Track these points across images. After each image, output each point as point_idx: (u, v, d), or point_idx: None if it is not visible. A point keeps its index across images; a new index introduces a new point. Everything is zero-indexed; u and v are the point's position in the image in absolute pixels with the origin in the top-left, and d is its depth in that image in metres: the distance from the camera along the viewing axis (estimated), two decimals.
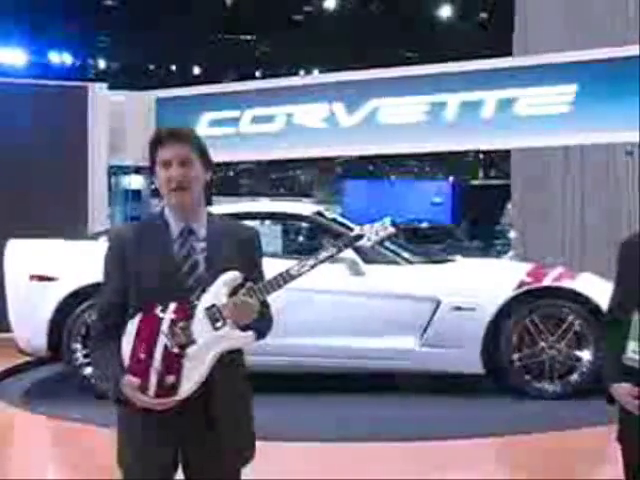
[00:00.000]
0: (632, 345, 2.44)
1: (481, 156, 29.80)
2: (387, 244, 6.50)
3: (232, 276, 2.45)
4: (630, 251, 2.58)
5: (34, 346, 6.23)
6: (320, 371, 6.14)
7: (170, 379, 2.39)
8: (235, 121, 8.96)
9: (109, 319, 2.50)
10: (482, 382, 6.07)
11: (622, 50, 7.65)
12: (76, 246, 6.41)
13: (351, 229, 5.88)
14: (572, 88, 7.70)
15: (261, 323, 2.51)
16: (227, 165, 24.47)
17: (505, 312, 5.97)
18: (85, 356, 6.03)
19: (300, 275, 2.51)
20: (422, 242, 17.57)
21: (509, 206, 14.71)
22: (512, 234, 13.69)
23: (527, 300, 6.00)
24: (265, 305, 2.53)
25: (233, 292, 2.44)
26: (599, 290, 5.75)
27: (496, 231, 20.38)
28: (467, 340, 5.96)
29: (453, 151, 12.71)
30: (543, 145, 8.67)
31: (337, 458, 4.83)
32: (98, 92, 8.96)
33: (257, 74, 23.10)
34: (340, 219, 6.87)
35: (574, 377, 5.91)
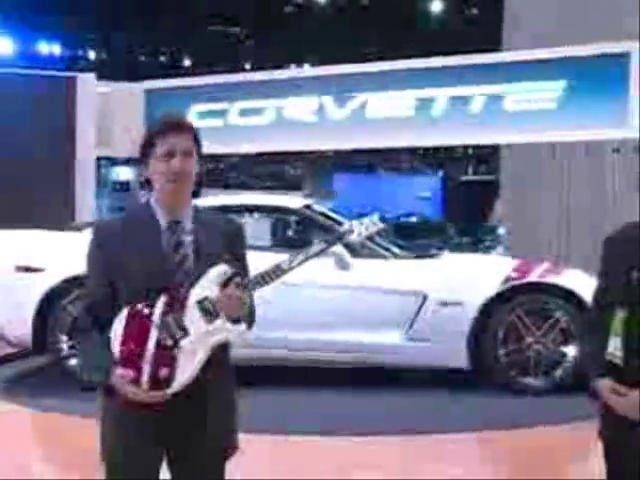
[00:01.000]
0: (614, 342, 2.45)
1: (470, 151, 29.83)
2: (374, 238, 6.50)
3: (222, 269, 2.44)
4: (613, 247, 2.58)
5: (19, 337, 6.20)
6: (305, 364, 6.14)
7: (163, 372, 2.37)
8: (224, 113, 8.94)
9: (95, 311, 2.47)
10: (467, 377, 6.08)
11: (610, 46, 7.66)
12: (62, 237, 6.38)
13: (340, 223, 5.88)
14: (560, 84, 7.72)
15: (250, 316, 2.51)
16: (216, 157, 24.39)
17: (491, 307, 5.98)
18: (70, 347, 6.01)
19: (290, 270, 2.52)
20: (410, 237, 17.58)
21: (497, 202, 14.75)
22: (500, 230, 13.74)
23: (513, 295, 6.01)
24: (252, 300, 2.53)
25: (223, 285, 2.43)
26: (585, 286, 5.75)
27: (485, 227, 20.40)
28: (453, 335, 5.97)
29: (442, 146, 12.71)
30: (531, 141, 8.68)
31: (317, 452, 4.83)
32: (86, 83, 8.91)
33: (247, 67, 23.04)
34: (329, 213, 6.86)
35: (559, 372, 5.93)
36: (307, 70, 15.56)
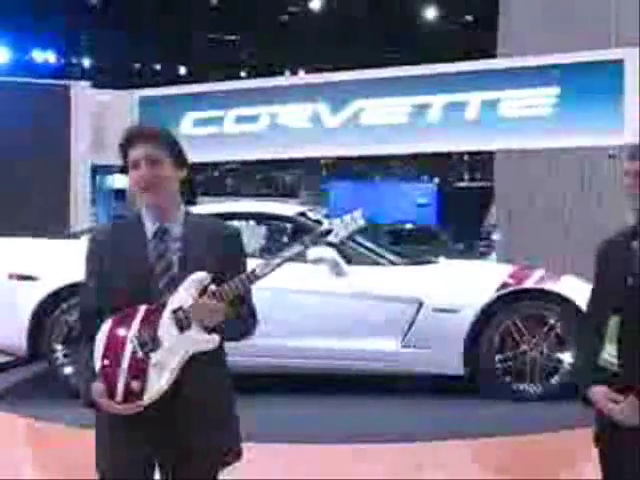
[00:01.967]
0: (609, 348, 2.44)
1: (465, 158, 29.88)
2: (370, 245, 6.51)
3: (200, 277, 2.39)
4: (607, 253, 2.58)
5: (13, 346, 6.18)
6: (302, 372, 6.12)
7: (134, 385, 2.36)
8: (219, 121, 8.93)
9: (90, 320, 2.46)
10: (463, 383, 6.07)
11: (604, 53, 7.69)
12: (57, 245, 6.36)
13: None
14: (555, 91, 7.74)
15: (234, 324, 2.45)
16: (212, 165, 24.40)
17: (487, 314, 5.98)
18: (65, 356, 5.98)
19: (265, 275, 2.42)
20: (406, 243, 17.61)
21: (493, 208, 14.76)
22: (496, 236, 13.74)
23: (509, 302, 6.01)
24: (249, 306, 2.50)
25: (202, 293, 2.38)
26: (581, 292, 5.75)
27: (480, 233, 20.42)
28: (449, 342, 5.96)
29: (437, 152, 12.73)
30: (527, 147, 8.69)
31: (315, 459, 4.81)
32: (81, 91, 8.91)
33: (242, 74, 23.06)
34: (324, 220, 6.85)
35: (555, 379, 5.92)
36: (302, 77, 15.58)
